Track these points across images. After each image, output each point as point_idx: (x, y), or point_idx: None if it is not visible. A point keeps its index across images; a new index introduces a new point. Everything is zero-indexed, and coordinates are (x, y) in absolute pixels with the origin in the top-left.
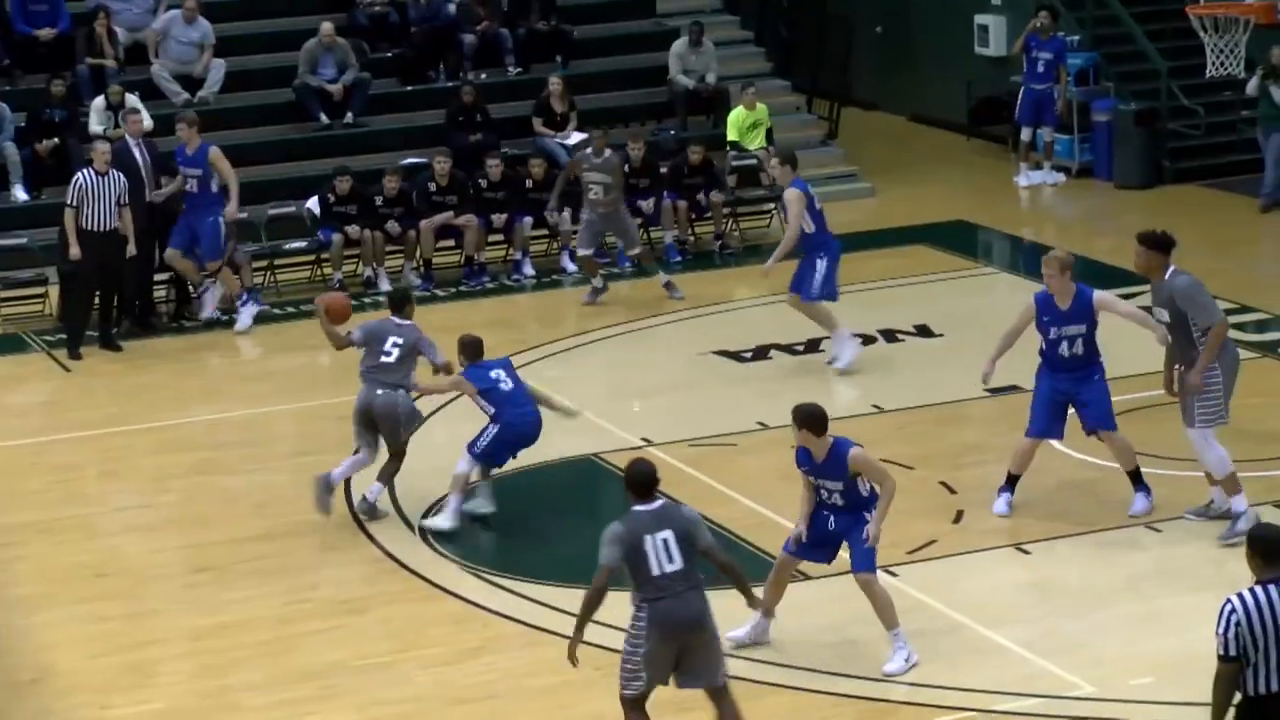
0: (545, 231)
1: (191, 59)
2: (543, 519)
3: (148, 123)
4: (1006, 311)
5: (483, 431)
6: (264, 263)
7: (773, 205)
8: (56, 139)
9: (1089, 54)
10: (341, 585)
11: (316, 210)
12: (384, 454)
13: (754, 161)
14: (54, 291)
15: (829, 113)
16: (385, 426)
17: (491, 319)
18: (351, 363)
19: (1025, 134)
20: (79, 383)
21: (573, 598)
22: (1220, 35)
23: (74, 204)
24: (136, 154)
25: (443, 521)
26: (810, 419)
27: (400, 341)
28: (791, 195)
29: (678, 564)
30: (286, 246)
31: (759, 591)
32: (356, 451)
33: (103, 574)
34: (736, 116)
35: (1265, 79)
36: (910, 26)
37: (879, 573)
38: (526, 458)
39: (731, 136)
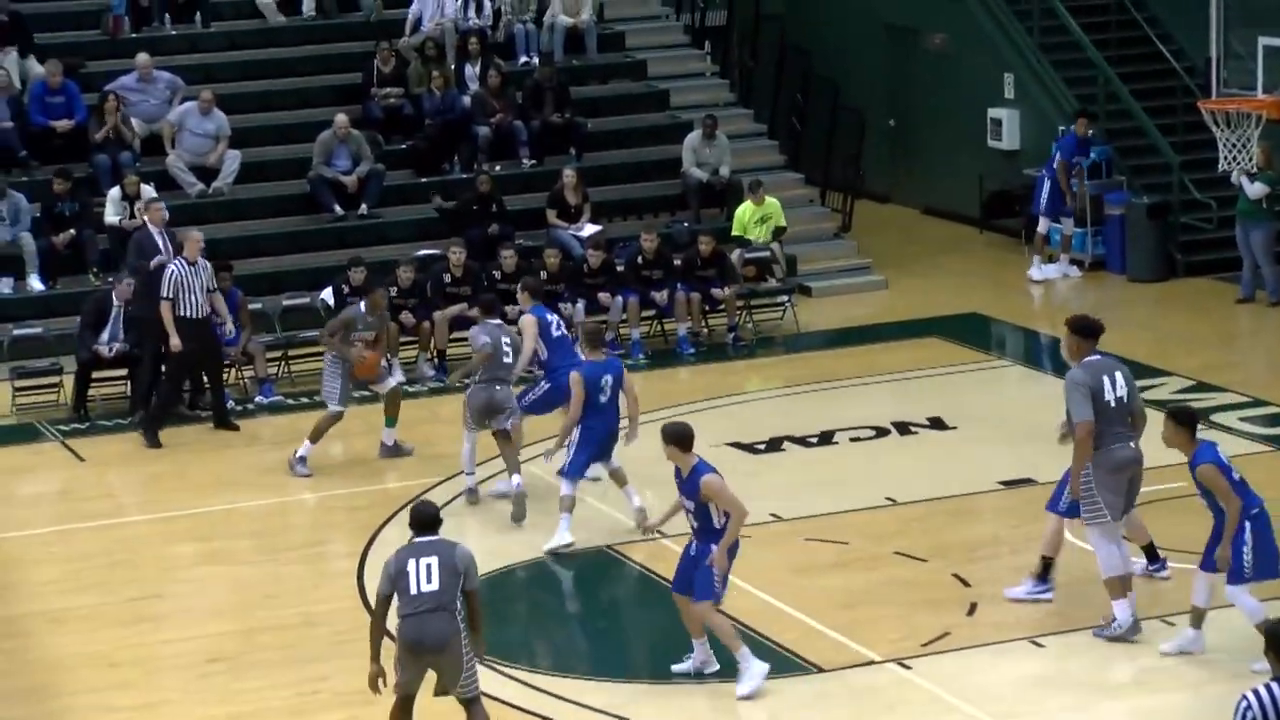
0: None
1: (206, 150)
2: (557, 611)
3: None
4: (1020, 404)
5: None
6: (278, 353)
7: (786, 298)
8: (72, 230)
9: (1102, 147)
10: (353, 675)
11: (331, 301)
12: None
13: (766, 254)
14: (69, 381)
15: (842, 205)
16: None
17: None
18: (364, 449)
19: (1042, 225)
20: (92, 472)
21: (587, 689)
22: (1232, 130)
23: (169, 295)
24: (160, 242)
25: (561, 539)
26: (675, 437)
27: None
28: (527, 320)
29: (434, 585)
30: (301, 337)
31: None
32: None
33: (115, 664)
34: (743, 212)
35: (1243, 175)
36: (923, 119)
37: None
38: (535, 549)
39: (736, 231)
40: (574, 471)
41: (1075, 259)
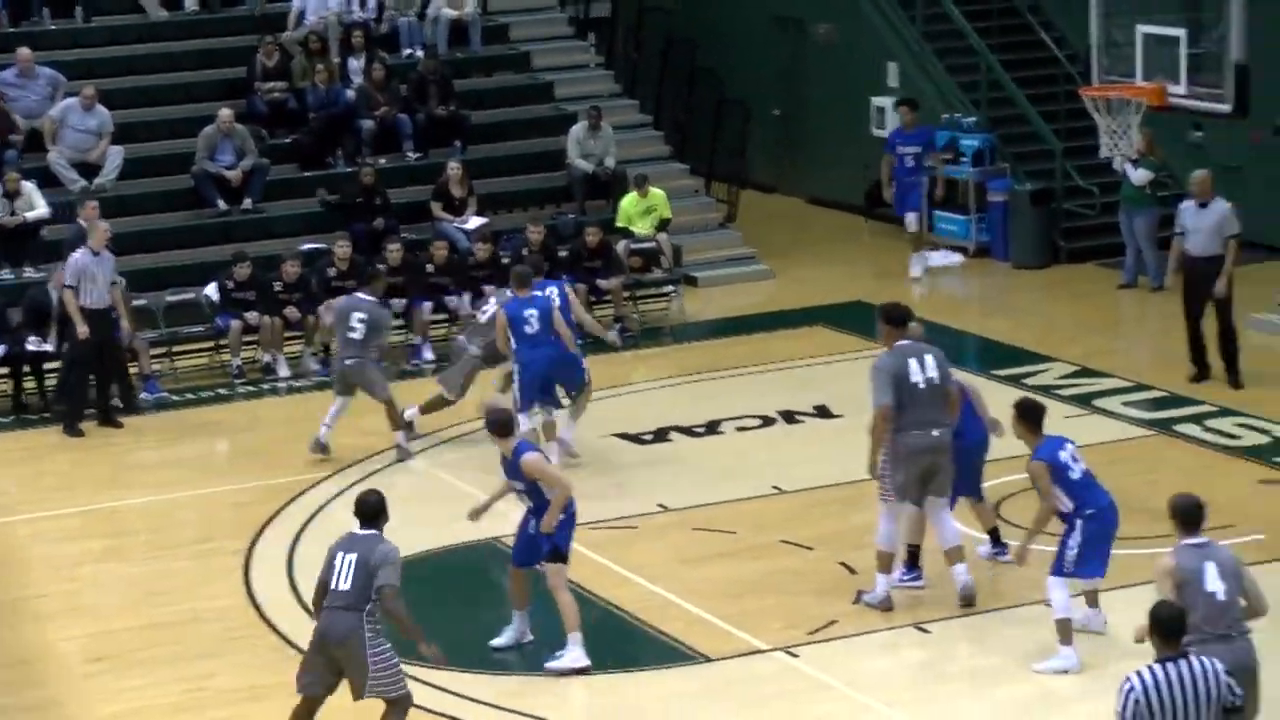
0: (445, 316)
1: (89, 146)
2: (444, 604)
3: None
4: None
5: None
6: (163, 349)
7: (672, 288)
8: None
9: (985, 135)
10: (241, 672)
11: (215, 296)
12: None
13: (652, 245)
14: None
15: (727, 195)
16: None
17: None
18: (250, 447)
19: (912, 220)
20: None
21: (475, 683)
22: (1113, 117)
23: (72, 283)
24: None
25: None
26: (494, 425)
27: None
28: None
29: (346, 585)
30: (185, 333)
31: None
32: None
33: None
34: (628, 203)
35: (1126, 161)
36: (808, 109)
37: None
38: (426, 543)
39: (621, 222)
40: (523, 408)
41: (959, 246)
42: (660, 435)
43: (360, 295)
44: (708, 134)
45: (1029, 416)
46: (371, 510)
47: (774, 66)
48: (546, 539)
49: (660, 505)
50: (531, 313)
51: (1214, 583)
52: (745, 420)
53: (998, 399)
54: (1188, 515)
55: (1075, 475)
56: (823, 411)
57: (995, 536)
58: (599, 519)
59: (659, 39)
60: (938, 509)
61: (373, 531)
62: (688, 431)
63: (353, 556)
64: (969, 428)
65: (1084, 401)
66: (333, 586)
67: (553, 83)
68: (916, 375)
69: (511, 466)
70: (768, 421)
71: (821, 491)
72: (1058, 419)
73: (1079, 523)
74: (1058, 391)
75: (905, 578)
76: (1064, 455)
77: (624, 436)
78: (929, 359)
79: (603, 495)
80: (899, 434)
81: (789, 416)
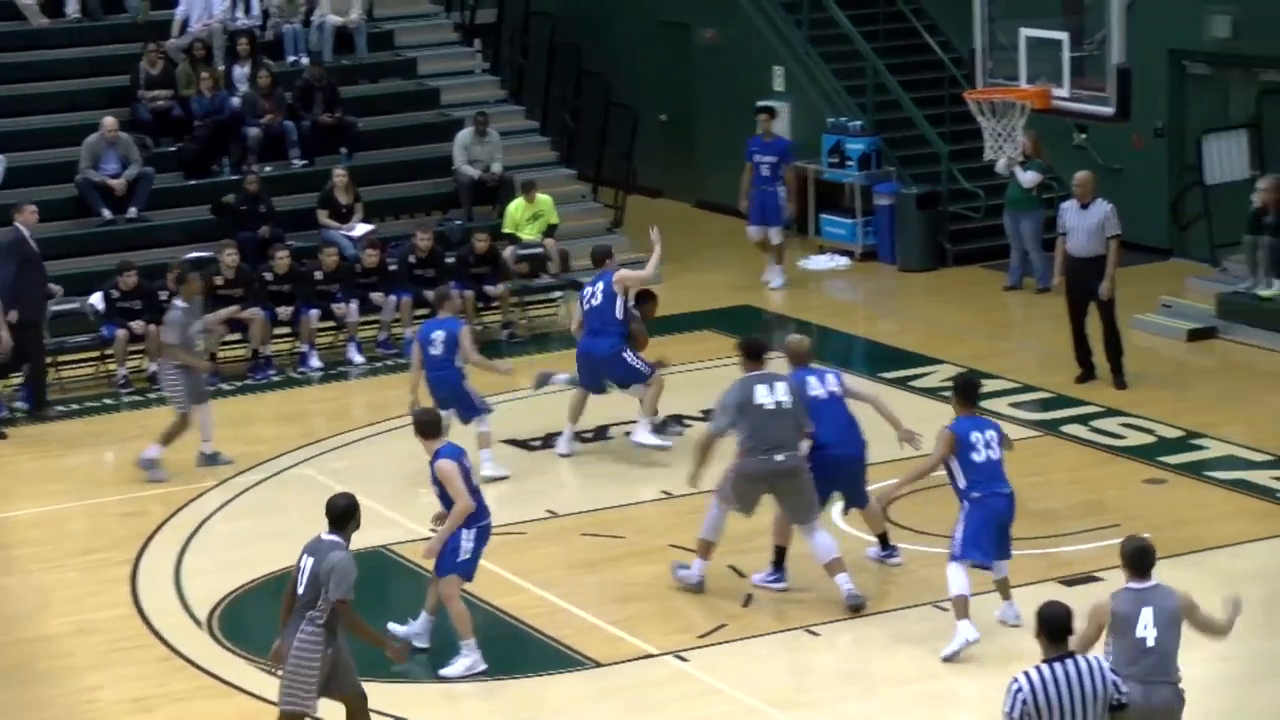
0: (332, 324)
1: None
2: None
3: None
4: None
5: None
6: (47, 360)
7: (560, 294)
8: None
9: (871, 139)
10: (128, 684)
11: (100, 306)
12: None
13: (540, 251)
14: None
15: (615, 200)
16: None
17: (278, 413)
18: (137, 456)
19: (754, 233)
20: None
21: (369, 691)
22: (998, 120)
23: None
24: (34, 245)
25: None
26: (420, 426)
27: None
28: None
29: (302, 590)
30: (70, 343)
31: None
32: None
33: None
34: (515, 209)
35: (1012, 163)
36: (694, 113)
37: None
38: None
39: (508, 228)
40: None
41: (846, 249)
42: (549, 441)
43: (177, 303)
44: (595, 139)
45: (962, 393)
46: (337, 514)
47: (660, 71)
48: (448, 552)
49: (549, 511)
50: (439, 334)
51: (1145, 629)
52: (634, 425)
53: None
54: (1134, 559)
55: (978, 458)
56: (711, 416)
57: (884, 540)
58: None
59: (545, 44)
60: (805, 533)
61: (334, 538)
62: (576, 437)
63: (309, 561)
64: (847, 438)
65: None
66: (298, 591)
67: (439, 89)
68: (764, 398)
69: (432, 470)
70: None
71: (710, 496)
72: (943, 422)
73: (967, 505)
74: (945, 394)
75: (769, 579)
76: (975, 436)
77: (513, 443)
78: (779, 385)
79: (492, 501)
80: (745, 458)
81: (678, 421)
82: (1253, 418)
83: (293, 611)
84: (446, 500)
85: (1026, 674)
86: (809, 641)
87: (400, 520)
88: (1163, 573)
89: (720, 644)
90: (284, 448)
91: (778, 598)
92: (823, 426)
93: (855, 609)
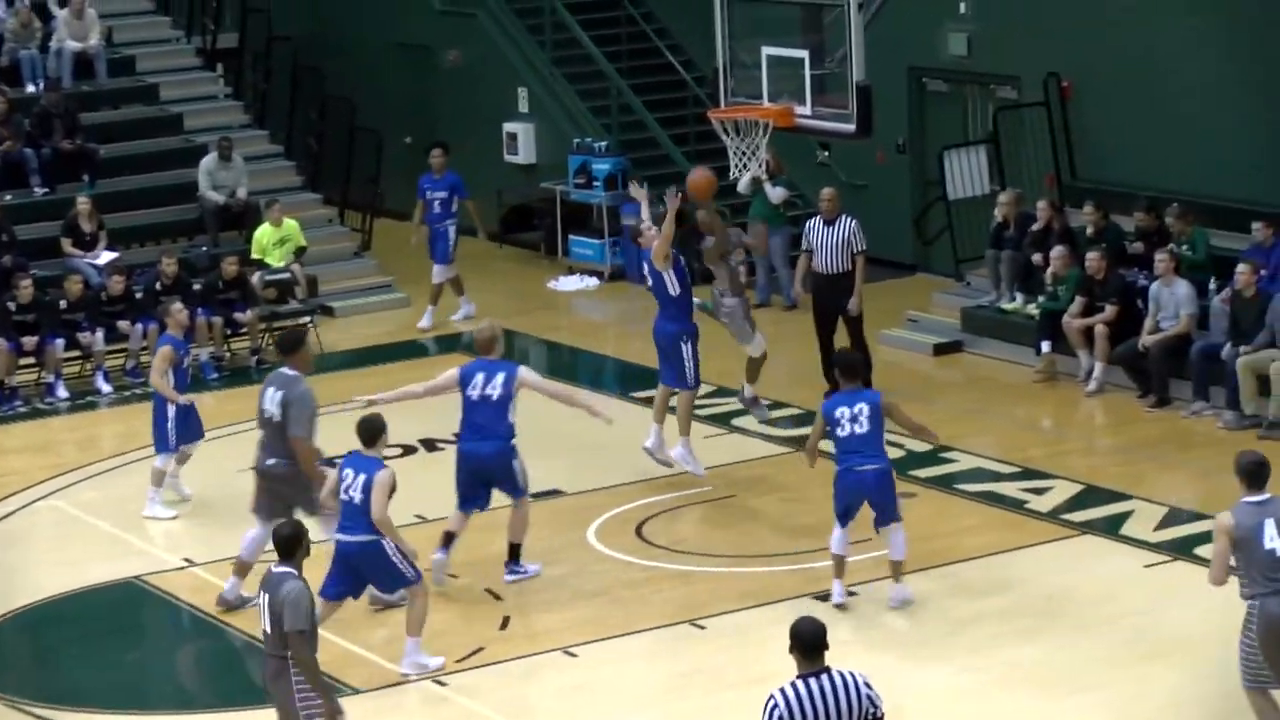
0: (78, 353)
1: None
2: (87, 645)
3: None
4: (546, 417)
5: None
6: None
7: (308, 319)
8: None
9: (616, 159)
10: None
11: None
12: None
13: (287, 276)
14: None
15: (362, 224)
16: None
17: (25, 444)
18: None
19: (437, 272)
20: None
21: None
22: (741, 138)
23: None
24: None
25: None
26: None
27: None
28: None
29: (266, 628)
30: None
31: None
32: None
33: None
34: (262, 234)
35: (758, 179)
36: (440, 136)
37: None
38: (67, 583)
39: (255, 254)
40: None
41: (595, 270)
42: None
43: None
44: (340, 162)
45: (840, 368)
46: (282, 543)
47: (405, 94)
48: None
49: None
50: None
51: (1272, 539)
52: (386, 450)
53: (633, 420)
54: (1250, 473)
55: (841, 433)
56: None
57: (514, 553)
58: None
59: (288, 68)
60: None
61: (285, 569)
62: (329, 463)
63: (265, 598)
64: (505, 431)
65: (722, 421)
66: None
67: (182, 114)
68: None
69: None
70: (409, 450)
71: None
72: (696, 439)
73: (836, 474)
74: (695, 411)
75: (515, 571)
76: (839, 412)
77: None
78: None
79: (244, 529)
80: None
81: (430, 445)
82: (999, 429)
83: (268, 657)
84: None
85: (782, 690)
86: (566, 662)
87: (151, 550)
88: (915, 584)
89: (478, 667)
90: (33, 479)
91: (538, 620)
92: (470, 422)
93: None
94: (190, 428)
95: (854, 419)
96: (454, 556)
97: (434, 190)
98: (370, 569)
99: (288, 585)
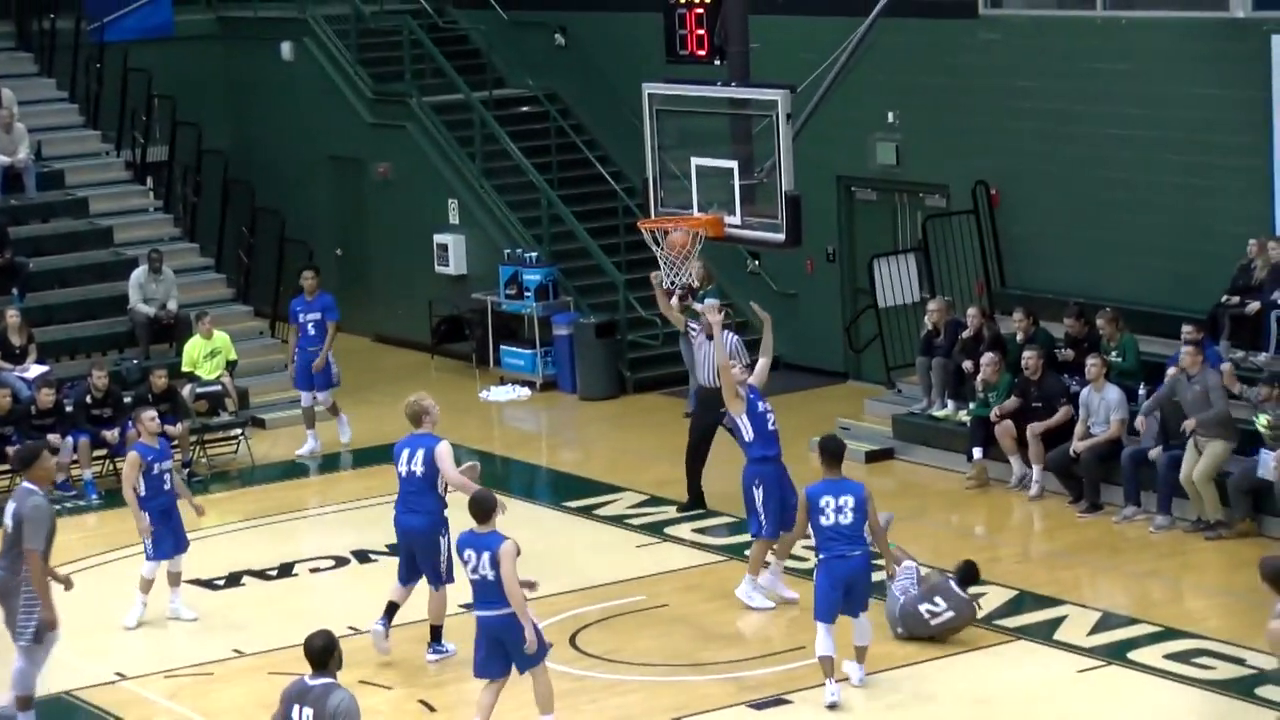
0: (7, 467)
1: None
2: None
3: None
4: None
5: None
6: None
7: (240, 431)
8: None
9: (547, 269)
10: None
11: None
12: None
13: (218, 388)
14: None
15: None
16: None
17: None
18: None
19: (306, 399)
20: None
21: None
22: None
23: None
24: None
25: None
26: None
27: None
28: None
29: None
30: None
31: None
32: None
33: None
34: (193, 347)
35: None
36: (370, 248)
37: None
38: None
39: (186, 367)
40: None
41: (526, 380)
42: (233, 580)
43: None
44: (271, 274)
45: (824, 452)
46: (318, 654)
47: (335, 206)
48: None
49: (236, 650)
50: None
51: None
52: (319, 561)
53: (567, 529)
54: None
55: (824, 521)
56: (396, 550)
57: (435, 634)
58: (175, 666)
59: (218, 181)
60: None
61: (326, 680)
62: (261, 575)
63: (309, 713)
64: (431, 506)
65: (655, 530)
66: None
67: (112, 227)
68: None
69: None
70: (341, 562)
71: (396, 630)
72: (629, 550)
73: (819, 563)
74: (629, 521)
75: (436, 652)
76: (823, 501)
77: (197, 582)
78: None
79: (177, 642)
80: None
81: (362, 556)
82: (933, 536)
83: None
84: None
85: None
86: None
87: (83, 664)
88: (847, 694)
89: None
90: None
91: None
92: (401, 494)
93: None
94: (167, 540)
95: (839, 509)
96: (384, 670)
97: (306, 312)
98: (513, 642)
99: (336, 696)
